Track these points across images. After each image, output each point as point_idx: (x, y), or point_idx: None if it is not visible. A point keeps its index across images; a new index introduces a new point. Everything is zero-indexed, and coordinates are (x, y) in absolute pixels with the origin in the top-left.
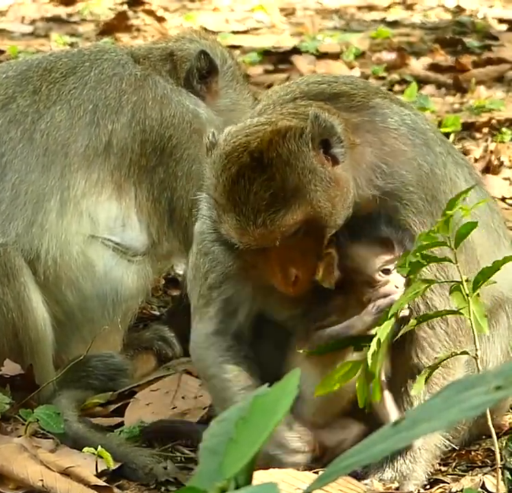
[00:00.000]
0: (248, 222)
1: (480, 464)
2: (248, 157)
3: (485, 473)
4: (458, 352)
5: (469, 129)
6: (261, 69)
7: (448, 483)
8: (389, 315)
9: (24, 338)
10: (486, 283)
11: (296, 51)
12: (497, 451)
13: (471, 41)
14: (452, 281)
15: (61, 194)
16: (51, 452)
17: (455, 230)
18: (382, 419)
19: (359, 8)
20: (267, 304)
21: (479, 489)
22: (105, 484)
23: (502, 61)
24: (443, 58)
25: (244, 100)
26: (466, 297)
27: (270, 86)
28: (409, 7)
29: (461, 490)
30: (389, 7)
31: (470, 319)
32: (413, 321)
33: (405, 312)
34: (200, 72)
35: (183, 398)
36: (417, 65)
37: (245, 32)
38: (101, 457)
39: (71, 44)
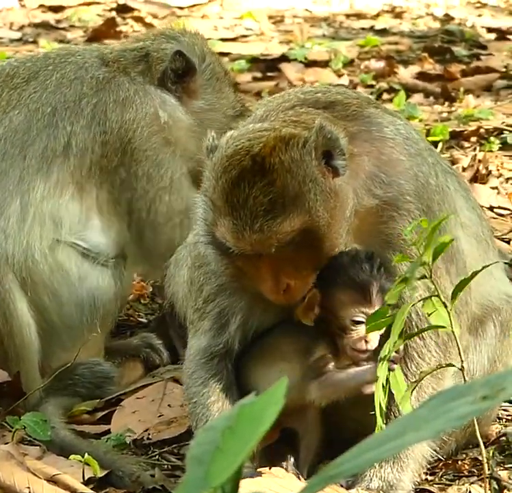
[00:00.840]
0: (244, 226)
1: (466, 474)
2: (249, 161)
3: (472, 483)
4: (444, 365)
5: (457, 138)
6: (249, 76)
7: None
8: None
9: (10, 344)
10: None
11: (284, 58)
12: (485, 461)
13: (459, 50)
14: (432, 296)
15: (21, 197)
16: (38, 460)
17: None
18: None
19: (348, 16)
20: (262, 317)
21: None
22: (91, 491)
23: (490, 70)
24: (431, 67)
25: (223, 99)
26: (446, 310)
27: (258, 94)
28: (398, 16)
29: None
30: (377, 15)
31: (453, 331)
32: (399, 340)
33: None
34: (175, 72)
35: (169, 406)
36: (406, 73)
37: (234, 39)
38: (88, 465)
39: None
